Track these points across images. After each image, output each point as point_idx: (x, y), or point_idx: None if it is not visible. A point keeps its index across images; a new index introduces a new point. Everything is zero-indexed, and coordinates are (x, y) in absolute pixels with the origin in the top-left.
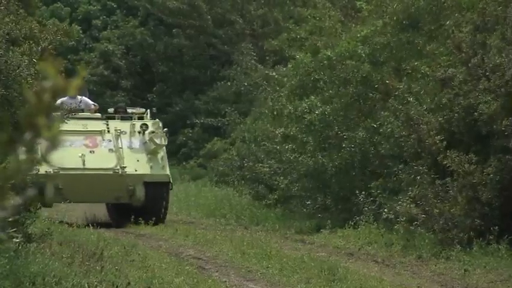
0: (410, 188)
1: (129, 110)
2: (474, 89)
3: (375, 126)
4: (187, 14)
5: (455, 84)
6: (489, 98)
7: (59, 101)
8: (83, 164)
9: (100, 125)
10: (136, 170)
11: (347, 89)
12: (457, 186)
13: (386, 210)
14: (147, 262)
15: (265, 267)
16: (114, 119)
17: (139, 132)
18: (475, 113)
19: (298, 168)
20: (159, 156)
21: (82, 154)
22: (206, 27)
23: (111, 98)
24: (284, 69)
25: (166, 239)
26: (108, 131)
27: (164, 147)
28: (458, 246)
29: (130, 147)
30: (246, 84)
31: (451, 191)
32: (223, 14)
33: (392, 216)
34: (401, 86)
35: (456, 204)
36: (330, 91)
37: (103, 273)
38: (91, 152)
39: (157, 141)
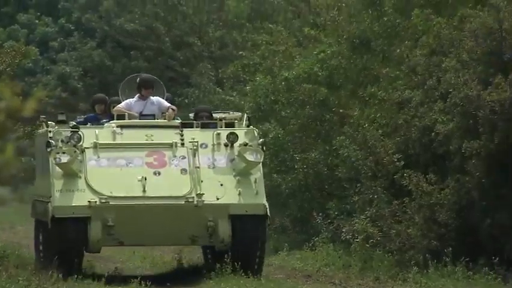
0: (367, 208)
1: (216, 115)
2: (430, 111)
3: (329, 148)
4: (145, 36)
5: (412, 106)
6: (445, 118)
7: (123, 104)
8: (144, 191)
9: (171, 136)
10: (218, 199)
11: (304, 111)
12: (414, 207)
13: (344, 231)
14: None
15: None
16: (192, 126)
17: (226, 145)
18: (432, 134)
19: None
20: (252, 178)
21: (143, 177)
22: (164, 50)
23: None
24: (242, 90)
25: (123, 261)
26: (182, 144)
27: (260, 166)
28: (415, 267)
29: (212, 166)
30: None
31: (408, 211)
32: (181, 36)
33: (350, 237)
34: (356, 113)
35: (413, 224)
36: (288, 111)
37: None
38: (155, 173)
39: (250, 157)
